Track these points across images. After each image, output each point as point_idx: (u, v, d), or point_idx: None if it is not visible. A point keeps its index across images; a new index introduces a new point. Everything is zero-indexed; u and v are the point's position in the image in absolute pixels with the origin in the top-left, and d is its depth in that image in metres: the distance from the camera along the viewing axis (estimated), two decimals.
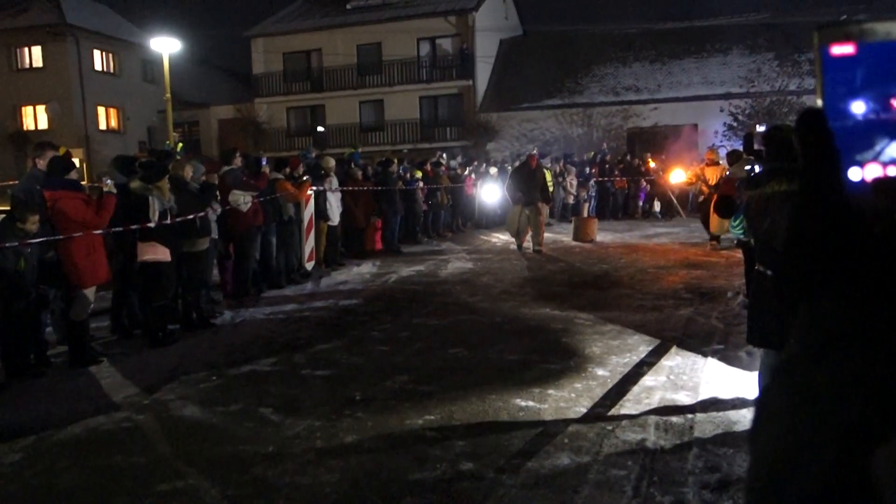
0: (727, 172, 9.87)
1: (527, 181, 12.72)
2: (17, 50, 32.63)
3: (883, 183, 0.54)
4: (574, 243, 14.03)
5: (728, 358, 5.81)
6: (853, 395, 0.49)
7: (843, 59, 0.55)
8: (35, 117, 32.42)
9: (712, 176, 12.35)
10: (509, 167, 19.00)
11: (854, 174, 0.55)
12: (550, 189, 18.48)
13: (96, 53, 33.17)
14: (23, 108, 31.83)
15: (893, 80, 0.54)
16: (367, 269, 11.43)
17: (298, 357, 6.29)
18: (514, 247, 13.24)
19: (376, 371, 5.78)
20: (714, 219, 11.69)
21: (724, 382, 5.20)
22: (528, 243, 12.92)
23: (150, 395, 5.36)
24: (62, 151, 6.85)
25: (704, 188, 12.70)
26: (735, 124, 23.71)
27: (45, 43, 32.05)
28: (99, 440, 4.50)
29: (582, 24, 29.57)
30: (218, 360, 6.30)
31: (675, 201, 18.73)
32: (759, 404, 0.69)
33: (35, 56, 32.66)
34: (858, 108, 0.55)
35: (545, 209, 13.48)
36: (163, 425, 4.73)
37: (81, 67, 32.15)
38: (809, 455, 0.49)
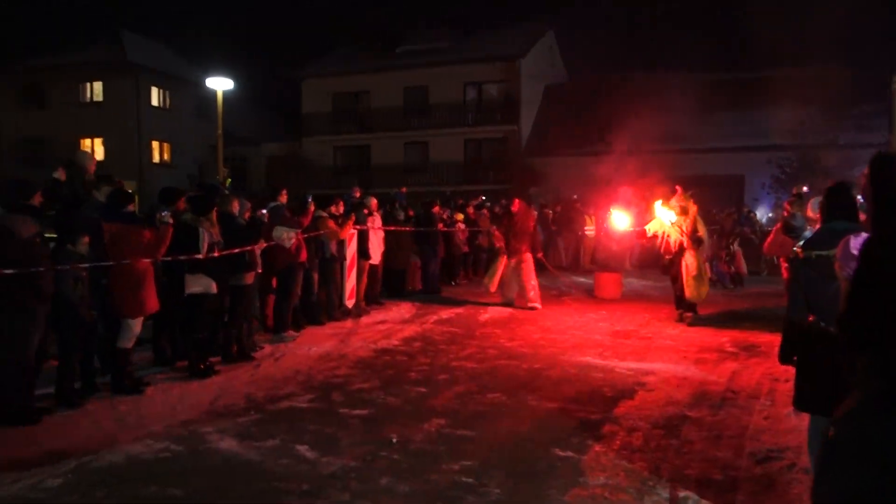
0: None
1: (508, 228, 11.63)
2: (80, 84, 34.07)
3: None
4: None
5: (775, 416, 5.63)
6: None
7: None
8: (93, 149, 33.61)
9: (682, 227, 10.01)
10: (551, 212, 19.04)
11: None
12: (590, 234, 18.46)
13: (154, 90, 34.43)
14: (82, 140, 33.06)
15: None
16: (406, 309, 11.44)
17: (336, 395, 6.29)
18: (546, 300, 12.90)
19: (413, 413, 5.74)
20: (690, 283, 9.87)
21: (770, 441, 5.03)
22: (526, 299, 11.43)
23: (188, 426, 5.39)
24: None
25: (671, 245, 10.14)
26: (783, 176, 23.37)
27: (107, 78, 33.42)
28: (137, 469, 4.53)
29: (627, 73, 29.63)
30: (256, 394, 6.33)
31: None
32: (823, 453, 0.66)
33: (96, 91, 34.07)
34: None
35: (530, 260, 11.59)
36: (200, 457, 4.75)
37: (139, 103, 33.37)
38: None
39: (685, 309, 10.11)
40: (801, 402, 3.93)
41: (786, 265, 9.62)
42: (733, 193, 24.49)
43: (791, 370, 6.88)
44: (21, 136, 34.22)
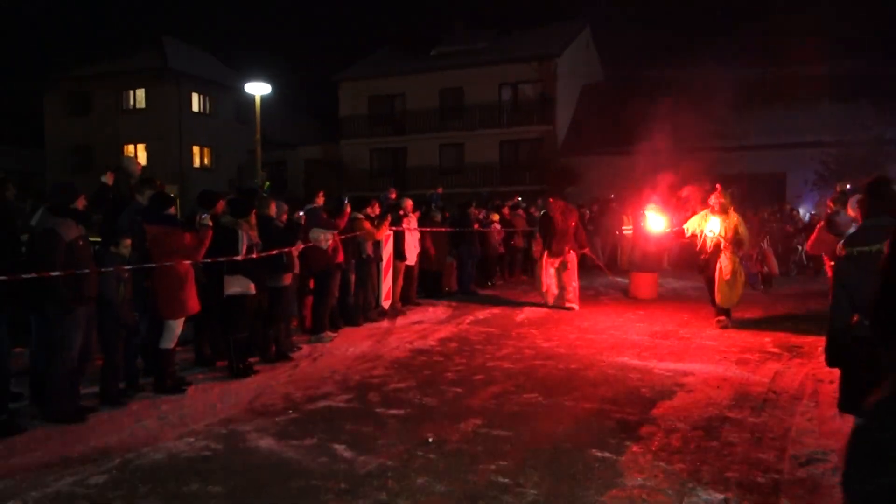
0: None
1: (548, 229, 11.49)
2: (124, 92, 34.90)
3: None
4: (660, 290, 13.52)
5: (819, 418, 5.50)
6: None
7: None
8: (136, 155, 34.38)
9: (722, 228, 9.60)
10: (588, 212, 18.89)
11: None
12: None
13: (194, 96, 35.11)
14: (126, 146, 33.86)
15: None
16: (442, 310, 11.45)
17: (373, 395, 6.33)
18: (596, 290, 12.83)
19: (450, 413, 5.75)
20: (722, 287, 9.48)
21: (813, 443, 4.92)
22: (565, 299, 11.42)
23: (228, 425, 5.48)
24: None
25: (707, 245, 9.72)
26: (826, 174, 22.84)
27: (149, 86, 34.17)
28: (179, 466, 4.62)
29: (666, 70, 29.23)
30: (294, 394, 6.40)
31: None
32: (852, 444, 0.64)
33: (139, 98, 34.86)
34: None
35: (573, 261, 11.54)
36: (239, 455, 4.82)
37: (180, 109, 34.04)
38: None
39: (718, 312, 9.70)
40: (845, 404, 3.84)
41: (830, 264, 9.36)
42: (775, 191, 24.01)
43: (835, 371, 6.74)
44: (68, 144, 35.17)
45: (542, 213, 12.44)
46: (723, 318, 9.64)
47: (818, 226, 7.81)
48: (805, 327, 9.36)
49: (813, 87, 26.93)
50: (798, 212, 20.46)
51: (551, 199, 12.11)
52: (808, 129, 25.59)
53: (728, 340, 8.68)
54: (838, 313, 4.12)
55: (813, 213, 20.97)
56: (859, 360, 3.69)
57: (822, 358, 7.60)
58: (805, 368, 7.18)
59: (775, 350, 8.11)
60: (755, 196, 19.85)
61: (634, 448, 4.87)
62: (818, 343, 8.32)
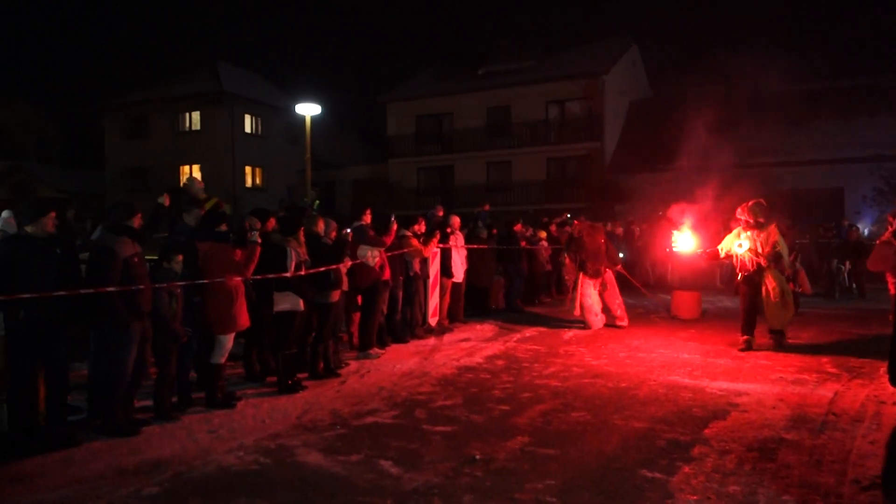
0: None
1: (579, 251, 11.36)
2: (180, 115, 36.03)
3: None
4: (712, 308, 13.21)
5: (881, 441, 5.27)
6: None
7: None
8: (191, 175, 35.32)
9: (755, 244, 9.15)
10: (637, 229, 18.65)
11: None
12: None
13: (247, 118, 36.00)
14: (181, 168, 34.87)
15: None
16: (489, 327, 11.41)
17: (419, 412, 6.33)
18: (648, 310, 12.60)
19: (496, 430, 5.71)
20: (773, 311, 9.08)
21: (876, 467, 4.71)
22: (610, 319, 11.33)
23: (277, 440, 5.54)
24: (212, 202, 7.36)
25: (746, 263, 9.22)
26: (886, 188, 22.14)
27: (204, 108, 35.19)
28: (228, 480, 4.69)
29: (715, 85, 28.77)
30: (342, 409, 6.44)
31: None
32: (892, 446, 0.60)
33: (194, 120, 35.93)
34: None
35: (613, 280, 11.52)
36: (287, 470, 4.87)
37: (233, 131, 34.92)
38: None
39: (742, 333, 9.26)
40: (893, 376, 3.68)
41: (893, 281, 9.02)
42: (831, 207, 23.35)
43: None
44: (126, 165, 36.40)
45: (568, 237, 12.31)
46: (777, 338, 9.26)
47: (878, 242, 7.54)
48: (864, 348, 9.03)
49: (870, 99, 26.20)
50: (857, 228, 19.81)
51: (576, 222, 12.09)
52: (866, 142, 24.87)
53: (784, 360, 8.42)
54: None
55: (871, 229, 20.30)
56: None
57: (885, 379, 7.32)
58: (866, 389, 6.92)
59: (834, 370, 7.84)
60: (810, 212, 19.34)
61: (686, 469, 4.75)
62: (879, 364, 8.02)
